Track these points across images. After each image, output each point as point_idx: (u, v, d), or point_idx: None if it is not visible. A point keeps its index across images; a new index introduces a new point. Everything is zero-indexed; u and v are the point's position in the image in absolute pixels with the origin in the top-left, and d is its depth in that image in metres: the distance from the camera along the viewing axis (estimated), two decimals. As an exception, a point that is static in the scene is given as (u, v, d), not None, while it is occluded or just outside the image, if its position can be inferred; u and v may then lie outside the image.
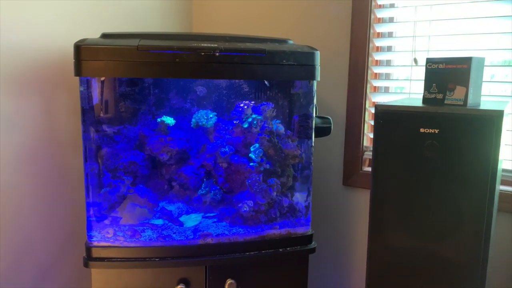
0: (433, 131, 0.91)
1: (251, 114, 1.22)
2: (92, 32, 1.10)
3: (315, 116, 1.15)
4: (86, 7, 1.34)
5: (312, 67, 1.07)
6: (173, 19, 1.68)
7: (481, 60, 0.95)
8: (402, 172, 0.97)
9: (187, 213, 1.18)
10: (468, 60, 0.91)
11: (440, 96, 0.96)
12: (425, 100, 0.99)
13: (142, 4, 1.53)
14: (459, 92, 0.93)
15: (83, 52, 0.97)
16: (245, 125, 1.22)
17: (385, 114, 0.96)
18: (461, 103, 0.92)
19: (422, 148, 0.93)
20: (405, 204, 0.97)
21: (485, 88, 1.17)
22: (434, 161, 0.92)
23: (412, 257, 0.98)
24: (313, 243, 1.16)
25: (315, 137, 1.17)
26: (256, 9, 1.60)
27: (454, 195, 0.91)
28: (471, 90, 0.92)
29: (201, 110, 1.22)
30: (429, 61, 0.97)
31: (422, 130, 0.92)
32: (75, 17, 1.32)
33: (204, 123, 1.22)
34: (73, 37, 1.22)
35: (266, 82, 1.22)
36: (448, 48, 1.28)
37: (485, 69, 1.00)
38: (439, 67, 0.95)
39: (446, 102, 0.95)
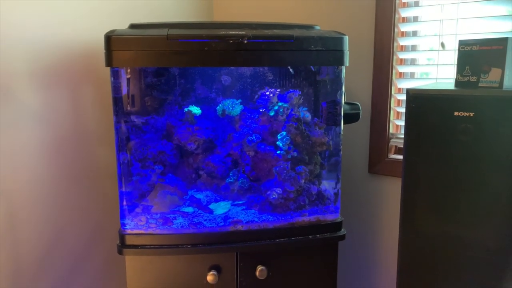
0: (468, 115, 0.89)
1: (277, 102, 1.22)
2: (114, 25, 1.11)
3: (344, 103, 1.14)
4: (107, 1, 1.35)
5: (341, 52, 1.06)
6: (193, 8, 1.67)
7: (517, 41, 0.92)
8: (435, 157, 0.95)
9: (216, 201, 1.19)
10: (503, 41, 0.89)
11: (473, 78, 0.94)
12: (457, 83, 0.97)
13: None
14: (494, 74, 0.91)
15: (113, 42, 0.97)
16: (271, 113, 1.22)
17: (417, 98, 0.95)
18: (497, 85, 0.90)
19: (456, 132, 0.91)
20: (438, 190, 0.96)
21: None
22: (468, 145, 0.91)
23: (445, 243, 0.97)
24: (342, 230, 1.16)
25: (343, 123, 1.16)
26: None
27: (490, 180, 0.90)
28: (507, 72, 0.90)
29: (227, 99, 1.23)
30: (462, 43, 0.95)
31: (456, 113, 0.90)
32: (99, 10, 1.33)
33: (230, 111, 1.23)
34: (96, 30, 1.23)
35: (291, 70, 1.21)
36: (476, 31, 1.25)
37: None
38: (473, 49, 0.93)
39: (480, 85, 0.93)
